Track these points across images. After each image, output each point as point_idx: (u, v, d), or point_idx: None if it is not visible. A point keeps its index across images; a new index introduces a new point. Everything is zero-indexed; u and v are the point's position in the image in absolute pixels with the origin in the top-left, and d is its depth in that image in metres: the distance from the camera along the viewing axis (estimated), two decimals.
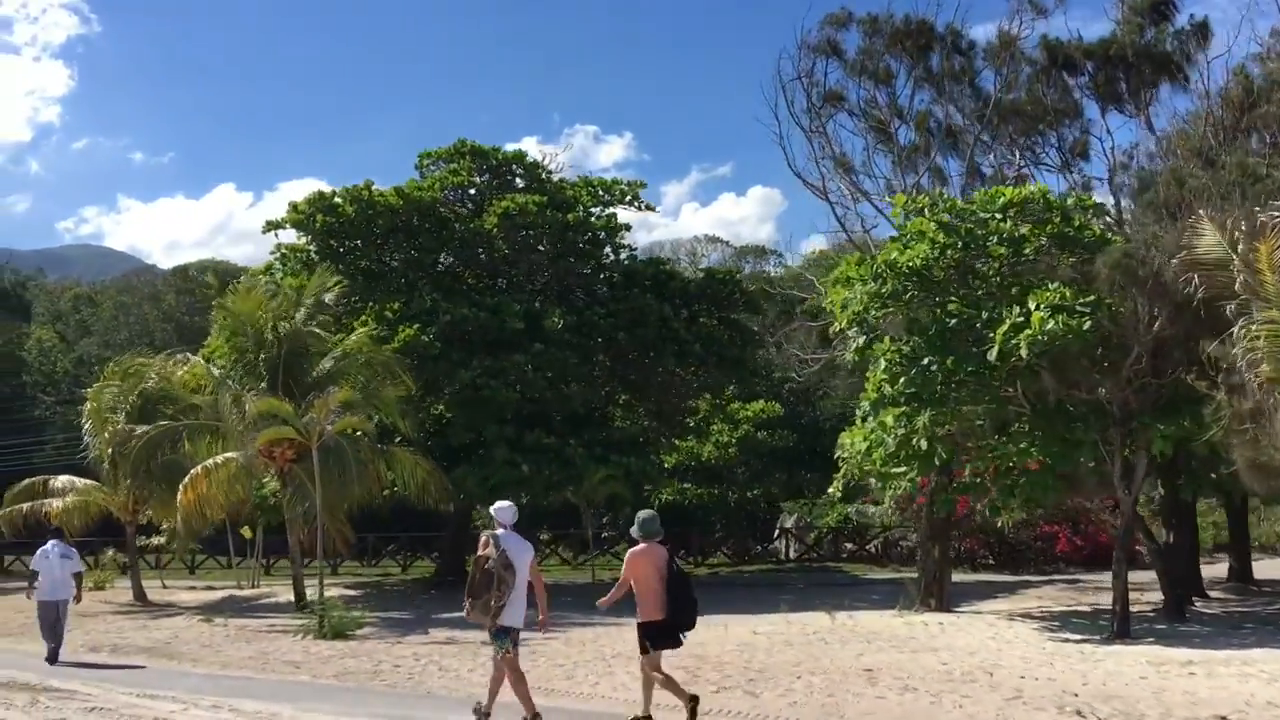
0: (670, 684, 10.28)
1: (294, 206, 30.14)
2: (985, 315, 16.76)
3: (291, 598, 29.27)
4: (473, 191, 31.99)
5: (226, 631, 21.29)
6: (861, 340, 18.97)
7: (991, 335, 16.39)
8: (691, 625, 10.44)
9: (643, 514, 10.66)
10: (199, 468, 24.01)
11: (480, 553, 10.25)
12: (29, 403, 73.74)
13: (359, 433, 24.19)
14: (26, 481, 30.09)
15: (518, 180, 32.29)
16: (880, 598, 25.35)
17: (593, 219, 30.99)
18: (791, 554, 38.58)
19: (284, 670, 15.96)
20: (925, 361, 16.99)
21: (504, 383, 27.03)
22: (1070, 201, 18.49)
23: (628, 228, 31.79)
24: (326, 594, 29.71)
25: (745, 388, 35.41)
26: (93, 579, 33.41)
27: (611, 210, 32.48)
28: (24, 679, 14.79)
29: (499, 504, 10.78)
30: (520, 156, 32.27)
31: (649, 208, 33.45)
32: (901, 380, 17.32)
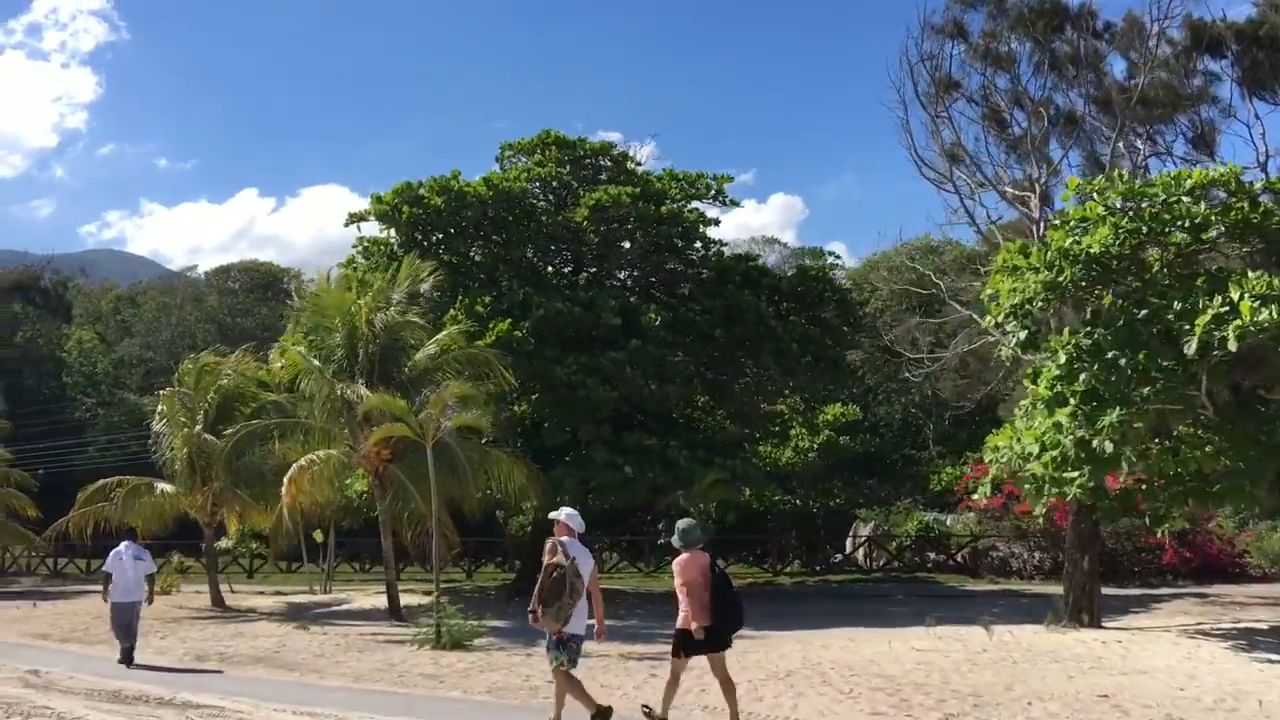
0: (671, 688, 10.70)
1: (377, 198, 29.01)
2: (1179, 306, 15.38)
3: (375, 604, 28.21)
4: (556, 184, 30.67)
5: (333, 640, 20.10)
6: (1024, 334, 17.65)
7: (1185, 327, 15.04)
8: (738, 628, 10.72)
9: (683, 522, 10.85)
10: (296, 466, 22.87)
11: (550, 560, 10.28)
12: (69, 404, 73.11)
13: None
14: (100, 482, 29.03)
15: (603, 173, 31.01)
16: (1003, 611, 24.07)
17: (684, 212, 29.71)
18: (872, 563, 37.16)
19: (425, 684, 14.76)
20: (1111, 356, 15.61)
21: (599, 381, 25.78)
22: (1259, 185, 17.10)
23: (716, 222, 30.52)
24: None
25: (840, 389, 34.04)
26: (159, 582, 32.43)
27: (694, 204, 31.27)
28: (156, 693, 13.63)
29: (566, 510, 10.84)
30: (607, 147, 31.09)
31: (733, 203, 32.16)
32: (1083, 377, 15.95)
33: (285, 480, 22.66)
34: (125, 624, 16.94)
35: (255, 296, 76.59)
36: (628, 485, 25.23)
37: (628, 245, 29.44)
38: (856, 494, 41.44)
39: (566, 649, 10.30)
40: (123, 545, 17.43)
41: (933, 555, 36.43)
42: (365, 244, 29.98)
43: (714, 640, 10.46)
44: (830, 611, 25.09)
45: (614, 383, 25.93)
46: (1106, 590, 29.31)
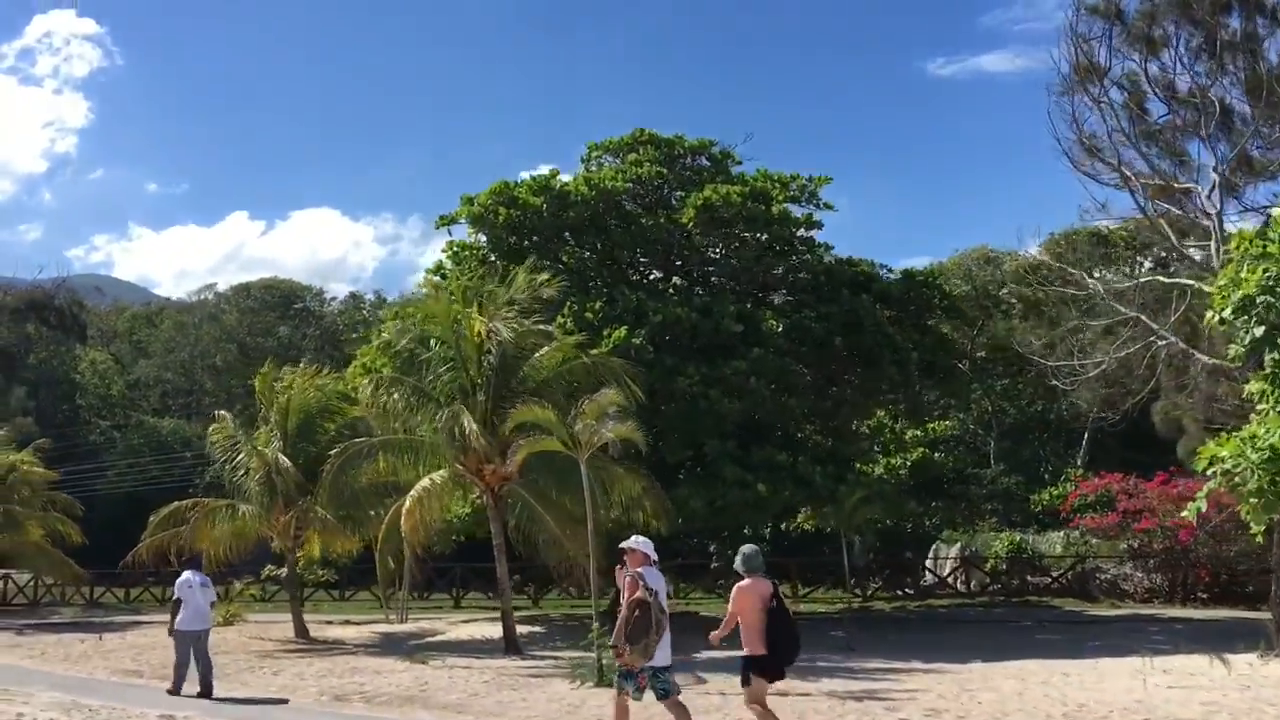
0: (771, 717, 10.42)
1: (469, 200, 27.24)
2: None
3: (475, 634, 26.28)
4: (651, 185, 28.85)
5: (476, 676, 18.13)
6: (1260, 330, 15.81)
7: None
8: (794, 659, 10.65)
9: (747, 548, 10.74)
10: (420, 489, 20.99)
11: (633, 595, 10.04)
12: (84, 427, 70.97)
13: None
14: (173, 505, 27.02)
15: (700, 173, 29.23)
16: (1166, 638, 22.30)
17: (792, 214, 27.93)
18: (970, 586, 35.28)
19: None
20: None
21: (721, 392, 23.94)
22: None
23: (820, 224, 28.74)
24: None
25: (960, 402, 32.23)
26: (222, 612, 30.47)
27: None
28: None
29: (639, 539, 10.64)
30: (705, 145, 29.34)
31: (826, 206, 30.30)
32: None
33: (408, 504, 20.78)
34: (199, 652, 16.78)
35: (276, 314, 74.55)
36: (759, 505, 23.38)
37: (742, 244, 27.56)
38: (932, 513, 39.59)
39: (634, 680, 10.15)
40: (190, 572, 17.08)
41: (1032, 578, 34.64)
42: (456, 248, 28.10)
43: (769, 668, 10.35)
44: (975, 640, 23.20)
45: (738, 394, 24.08)
46: (1224, 612, 27.72)
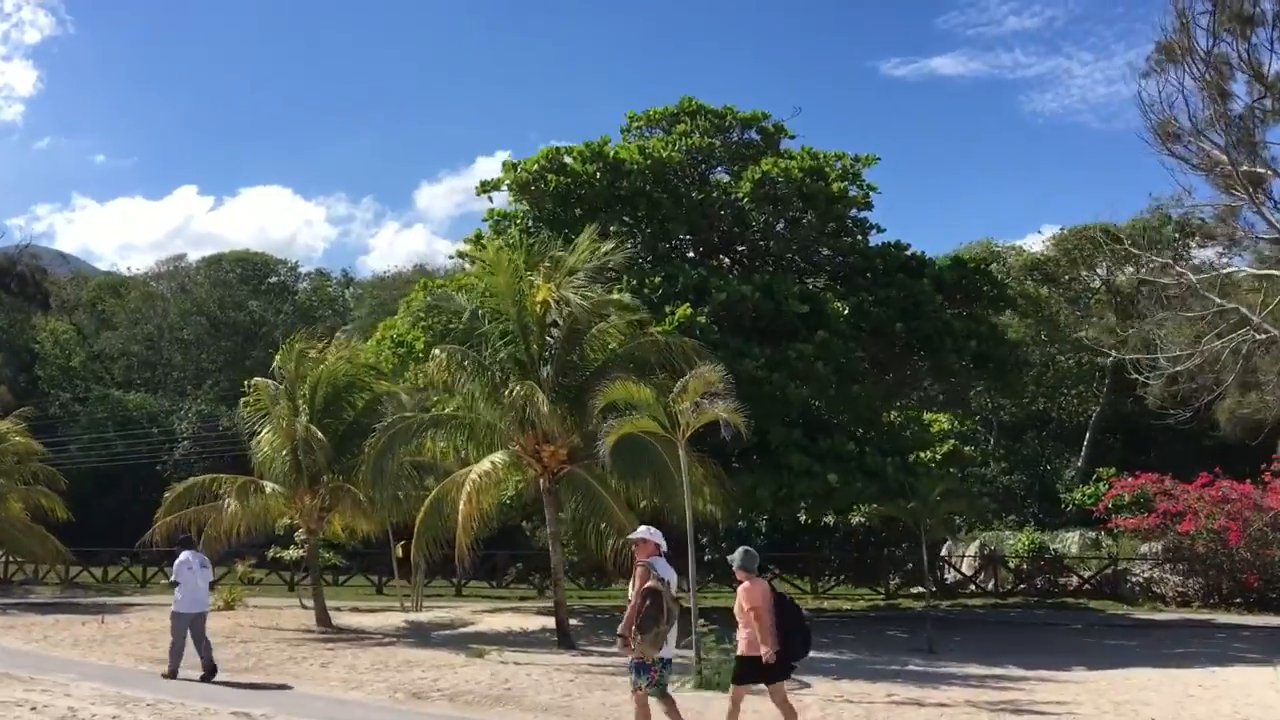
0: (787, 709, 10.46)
1: (512, 166, 25.72)
2: None
3: (511, 625, 24.85)
4: (700, 158, 27.45)
5: (562, 675, 16.69)
6: None
7: None
8: (805, 654, 10.63)
9: (744, 549, 10.64)
10: (475, 472, 19.51)
11: (646, 584, 9.92)
12: (43, 399, 68.20)
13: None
14: (190, 481, 25.27)
15: (749, 148, 27.85)
16: (1253, 645, 21.38)
17: (850, 193, 26.65)
18: (999, 585, 34.29)
19: None
20: None
21: (786, 376, 22.62)
22: None
23: (870, 205, 27.46)
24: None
25: (1014, 392, 31.14)
26: (224, 595, 28.81)
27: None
28: None
29: (647, 529, 10.56)
30: (758, 117, 27.91)
31: (870, 187, 28.93)
32: None
33: (468, 487, 19.28)
34: (198, 635, 16.11)
35: (249, 289, 72.12)
36: (829, 495, 22.09)
37: (790, 225, 26.25)
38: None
39: (647, 673, 10.03)
40: (188, 553, 16.40)
41: (1062, 580, 33.76)
42: (496, 217, 26.52)
43: (780, 667, 10.31)
44: (1048, 644, 22.19)
45: (803, 379, 22.77)
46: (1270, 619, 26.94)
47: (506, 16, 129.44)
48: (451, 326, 25.12)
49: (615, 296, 20.43)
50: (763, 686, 10.60)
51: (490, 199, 26.94)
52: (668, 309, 22.47)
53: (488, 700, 14.66)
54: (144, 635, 22.89)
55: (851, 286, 25.97)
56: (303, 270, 76.14)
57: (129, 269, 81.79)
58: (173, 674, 15.98)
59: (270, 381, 24.68)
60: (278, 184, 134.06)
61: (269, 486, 23.65)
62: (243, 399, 25.51)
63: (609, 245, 20.88)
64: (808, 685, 15.88)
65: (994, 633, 24.13)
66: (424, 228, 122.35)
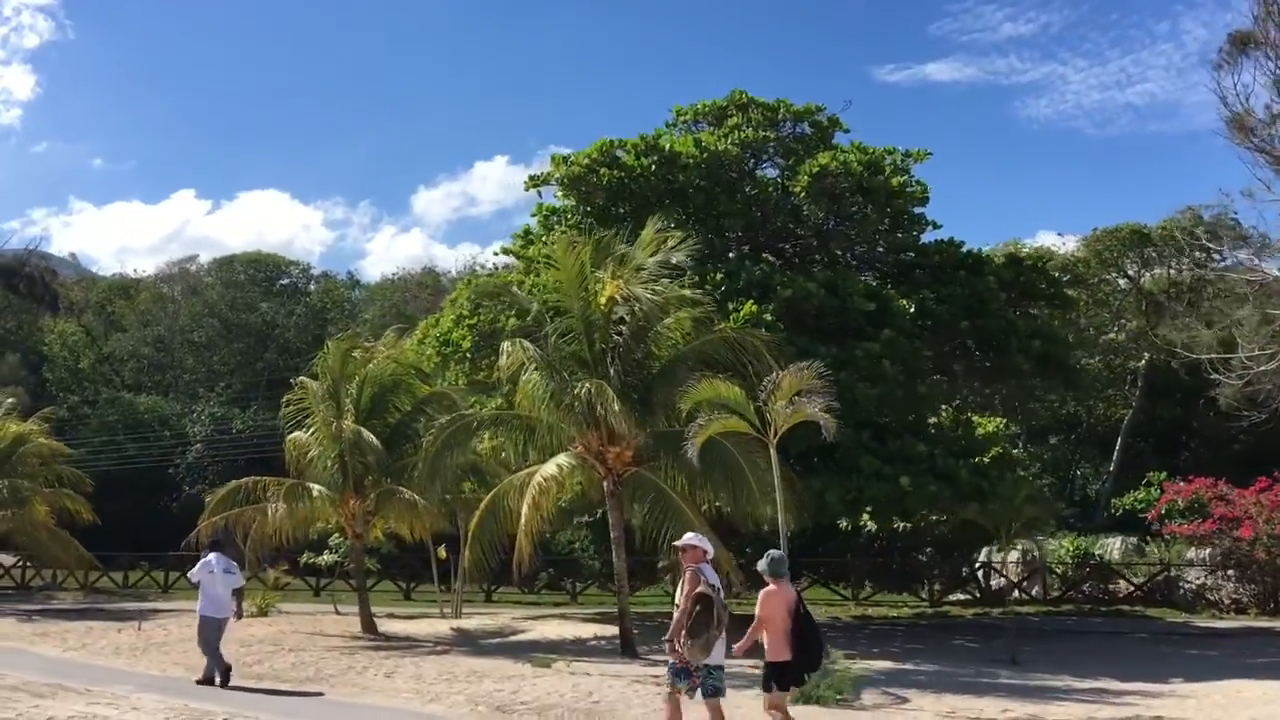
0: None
1: (562, 159, 24.95)
2: None
3: (565, 634, 24.05)
4: (752, 151, 26.68)
5: (644, 688, 15.88)
6: None
7: None
8: (817, 666, 10.73)
9: (773, 553, 10.57)
10: (540, 475, 18.74)
11: (696, 589, 9.90)
12: (51, 402, 67.27)
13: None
14: (233, 483, 24.46)
15: (801, 142, 27.09)
16: None
17: (909, 188, 25.90)
18: (1046, 593, 33.50)
19: None
20: None
21: (853, 376, 21.84)
22: None
23: (928, 199, 26.68)
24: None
25: (1080, 395, 30.35)
26: (256, 601, 27.98)
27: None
28: None
29: (696, 535, 10.68)
30: (811, 110, 27.12)
31: (919, 184, 28.02)
32: None
33: (534, 490, 18.52)
34: (214, 641, 15.78)
35: (261, 290, 71.15)
36: (902, 500, 21.30)
37: (848, 220, 25.50)
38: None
39: (687, 678, 10.00)
40: (212, 556, 15.95)
41: (1107, 585, 33.00)
42: (545, 212, 25.74)
43: (791, 675, 10.39)
44: (1124, 653, 21.42)
45: (870, 379, 22.00)
46: None
47: (506, 21, 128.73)
48: (498, 326, 24.44)
49: (685, 292, 19.57)
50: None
51: (539, 194, 26.25)
52: (730, 306, 21.70)
53: (578, 714, 13.90)
54: (187, 643, 21.98)
55: (911, 284, 25.19)
56: (314, 272, 75.10)
57: (134, 270, 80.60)
58: (208, 680, 15.63)
59: (310, 381, 23.83)
60: (275, 188, 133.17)
61: (315, 489, 22.81)
62: (285, 398, 24.67)
63: (674, 239, 20.04)
64: (905, 700, 15.13)
65: (1063, 641, 23.36)
66: (421, 232, 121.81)
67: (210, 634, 15.76)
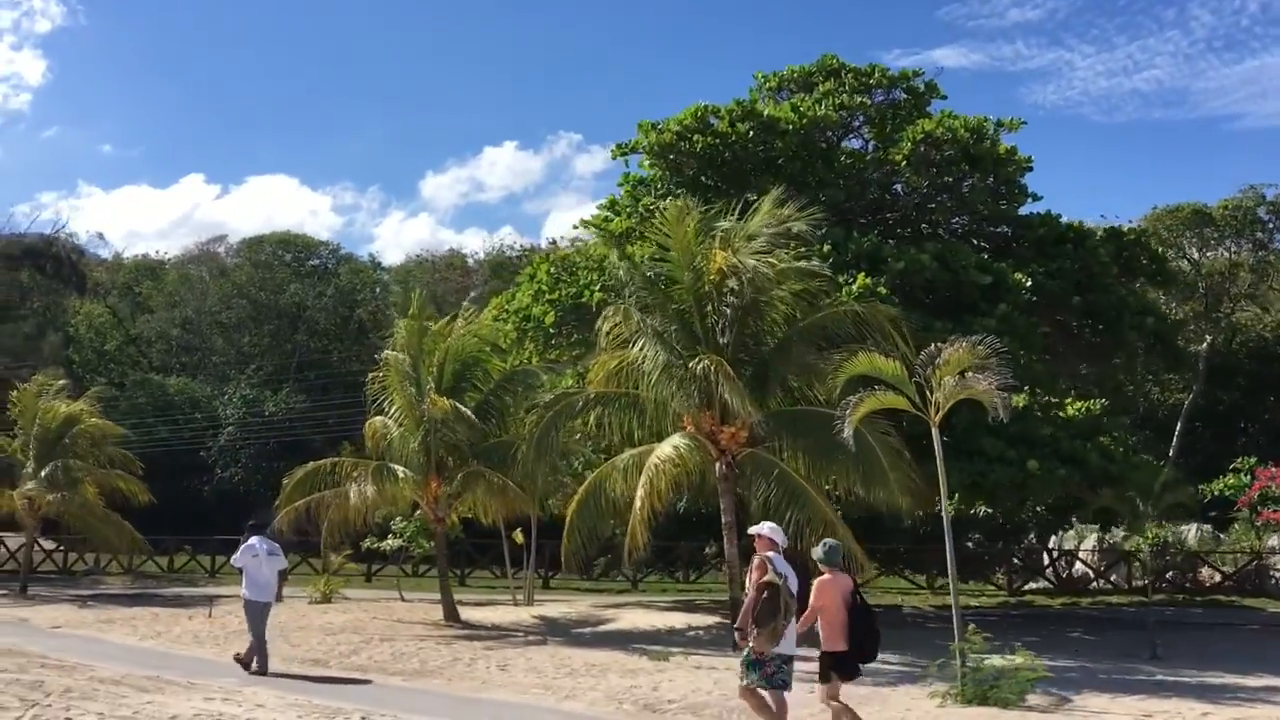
0: (849, 712, 10.31)
1: (650, 126, 23.74)
2: None
3: (656, 623, 22.97)
4: (844, 118, 25.43)
5: (802, 688, 14.72)
6: None
7: None
8: (873, 657, 10.40)
9: (829, 542, 10.53)
10: (657, 456, 17.62)
11: (763, 578, 9.79)
12: (77, 384, 66.16)
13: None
14: (309, 466, 23.37)
15: (895, 110, 25.83)
16: None
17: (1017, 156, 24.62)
18: (1130, 582, 32.35)
19: None
20: None
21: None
22: None
23: (1032, 168, 25.34)
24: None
25: (1189, 376, 29.13)
26: (319, 587, 27.01)
27: None
28: None
29: (768, 525, 10.51)
30: (907, 75, 25.86)
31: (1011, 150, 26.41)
32: None
33: (650, 472, 17.40)
34: (262, 626, 15.34)
35: (291, 271, 69.91)
36: (1027, 484, 20.13)
37: (951, 190, 24.28)
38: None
39: (761, 669, 9.87)
40: (255, 539, 15.43)
41: (1193, 574, 31.90)
42: (633, 182, 24.55)
43: (847, 665, 10.30)
44: (1260, 648, 20.29)
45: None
46: None
47: (516, 4, 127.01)
48: (583, 301, 23.37)
49: (803, 264, 18.40)
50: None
51: (626, 163, 25.02)
52: (841, 279, 20.49)
53: (737, 713, 12.74)
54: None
55: (1015, 257, 23.95)
56: (343, 253, 73.86)
57: (156, 252, 79.44)
58: (263, 669, 15.11)
59: (403, 355, 22.66)
60: (284, 173, 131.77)
61: (401, 471, 21.68)
62: (370, 375, 23.57)
63: (791, 209, 18.85)
64: (1068, 700, 13.97)
65: (1186, 634, 22.14)
66: (429, 217, 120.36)
67: (258, 619, 15.27)
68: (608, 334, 18.67)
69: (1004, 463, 20.13)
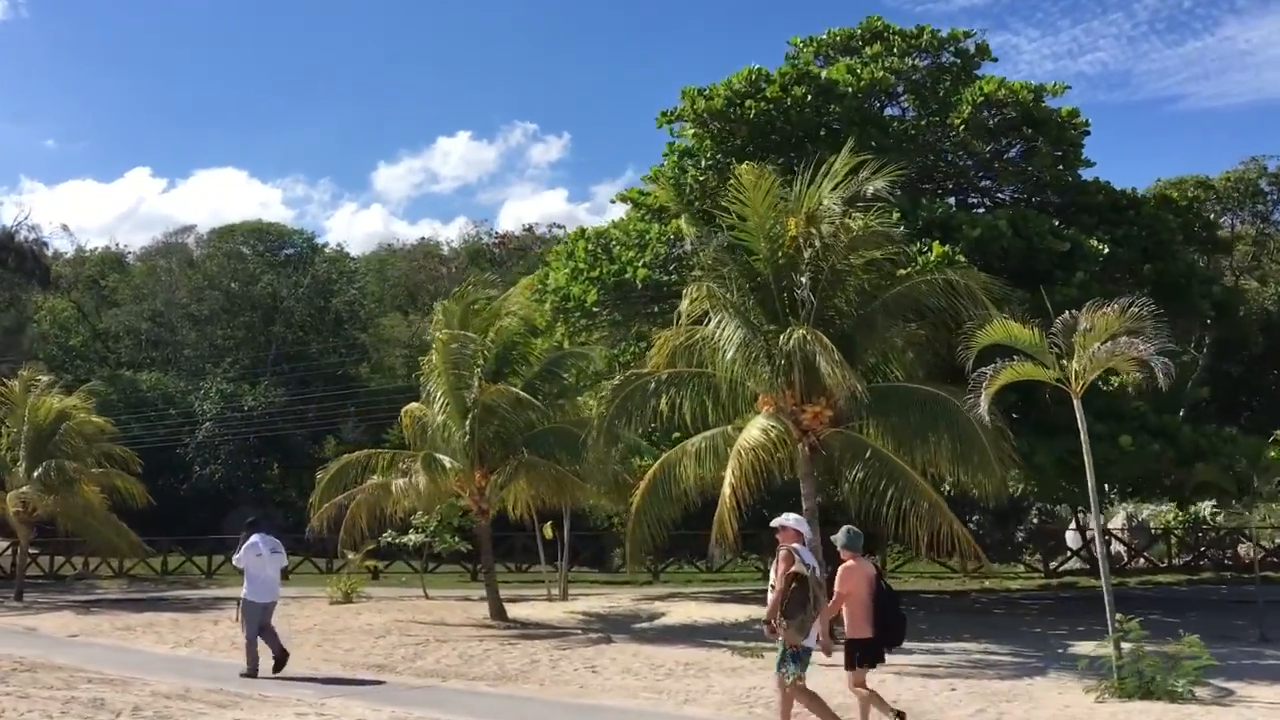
0: (876, 699, 10.21)
1: (697, 93, 22.42)
2: None
3: (711, 616, 21.78)
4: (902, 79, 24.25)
5: (914, 682, 13.59)
6: None
7: None
8: (900, 643, 10.38)
9: (850, 528, 10.49)
10: (745, 439, 16.39)
11: (791, 569, 9.60)
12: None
13: None
14: (344, 458, 21.89)
15: (945, 74, 24.68)
16: None
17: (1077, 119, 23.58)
18: (1170, 560, 31.61)
19: None
20: None
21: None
22: None
23: (1090, 131, 24.27)
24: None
25: (1242, 342, 28.28)
26: (340, 586, 25.62)
27: None
28: None
29: (794, 515, 10.23)
30: (957, 37, 24.70)
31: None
32: None
33: (738, 455, 16.14)
34: (266, 625, 14.80)
35: (265, 262, 67.74)
36: (1121, 462, 19.08)
37: (1014, 154, 23.25)
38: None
39: (798, 660, 9.69)
40: (257, 537, 14.93)
41: (1232, 550, 31.24)
42: (679, 152, 23.23)
43: (873, 652, 10.20)
44: None
45: None
46: None
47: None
48: (625, 278, 22.14)
49: (889, 229, 17.20)
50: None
51: (671, 130, 23.67)
52: (916, 247, 19.33)
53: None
54: (311, 634, 19.63)
55: (1079, 225, 22.89)
56: (318, 242, 71.76)
57: (118, 245, 77.00)
58: (253, 672, 14.46)
59: (447, 339, 21.18)
60: (233, 166, 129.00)
61: (448, 462, 20.25)
62: (423, 360, 22.15)
63: (868, 170, 17.64)
64: (1229, 691, 12.89)
65: (1244, 615, 21.22)
66: (381, 208, 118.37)
67: (255, 619, 14.71)
68: (687, 312, 17.32)
69: (1094, 437, 19.00)
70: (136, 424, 56.14)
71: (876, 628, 10.07)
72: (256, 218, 72.13)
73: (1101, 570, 13.92)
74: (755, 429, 16.55)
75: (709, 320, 17.56)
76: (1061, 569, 31.62)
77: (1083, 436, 13.25)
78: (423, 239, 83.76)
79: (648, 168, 23.66)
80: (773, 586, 9.92)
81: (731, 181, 17.48)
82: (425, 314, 69.15)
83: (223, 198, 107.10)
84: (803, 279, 17.41)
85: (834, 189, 17.56)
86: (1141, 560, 31.89)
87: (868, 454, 16.88)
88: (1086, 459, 13.26)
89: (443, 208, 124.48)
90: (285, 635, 19.30)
